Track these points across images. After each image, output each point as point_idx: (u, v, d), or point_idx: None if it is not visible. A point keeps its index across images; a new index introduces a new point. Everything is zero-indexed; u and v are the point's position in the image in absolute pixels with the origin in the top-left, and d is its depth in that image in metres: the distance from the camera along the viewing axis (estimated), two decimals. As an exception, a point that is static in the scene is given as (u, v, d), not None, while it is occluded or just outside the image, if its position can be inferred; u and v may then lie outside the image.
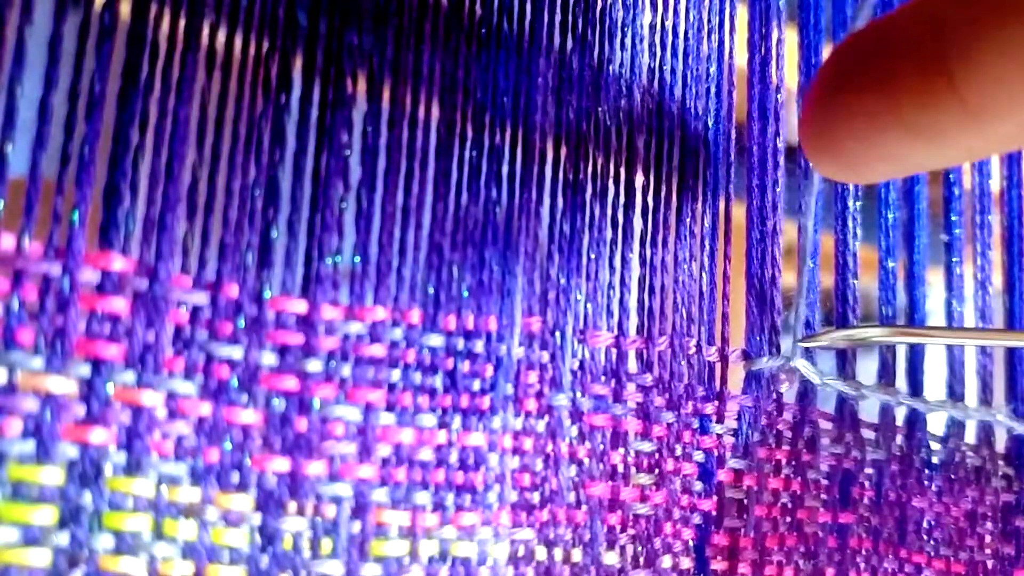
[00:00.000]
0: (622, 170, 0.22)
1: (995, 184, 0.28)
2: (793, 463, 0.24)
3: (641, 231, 0.22)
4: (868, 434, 0.25)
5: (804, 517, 0.24)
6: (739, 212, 0.24)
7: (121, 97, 0.18)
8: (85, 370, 0.17)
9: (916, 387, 0.26)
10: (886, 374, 0.25)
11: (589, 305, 0.22)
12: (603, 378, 0.22)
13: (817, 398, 0.24)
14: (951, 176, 0.27)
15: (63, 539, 0.16)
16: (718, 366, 0.23)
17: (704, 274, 0.23)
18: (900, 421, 0.26)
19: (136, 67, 0.18)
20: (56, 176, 0.17)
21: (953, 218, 0.27)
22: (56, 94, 0.17)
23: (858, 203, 0.25)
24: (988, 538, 0.27)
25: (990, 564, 0.27)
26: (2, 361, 0.16)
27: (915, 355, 0.26)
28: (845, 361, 0.25)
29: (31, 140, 0.17)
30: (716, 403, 0.23)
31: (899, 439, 0.26)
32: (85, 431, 0.17)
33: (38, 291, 0.17)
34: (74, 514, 0.17)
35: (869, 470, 0.25)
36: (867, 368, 0.25)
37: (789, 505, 0.24)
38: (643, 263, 0.22)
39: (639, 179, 0.23)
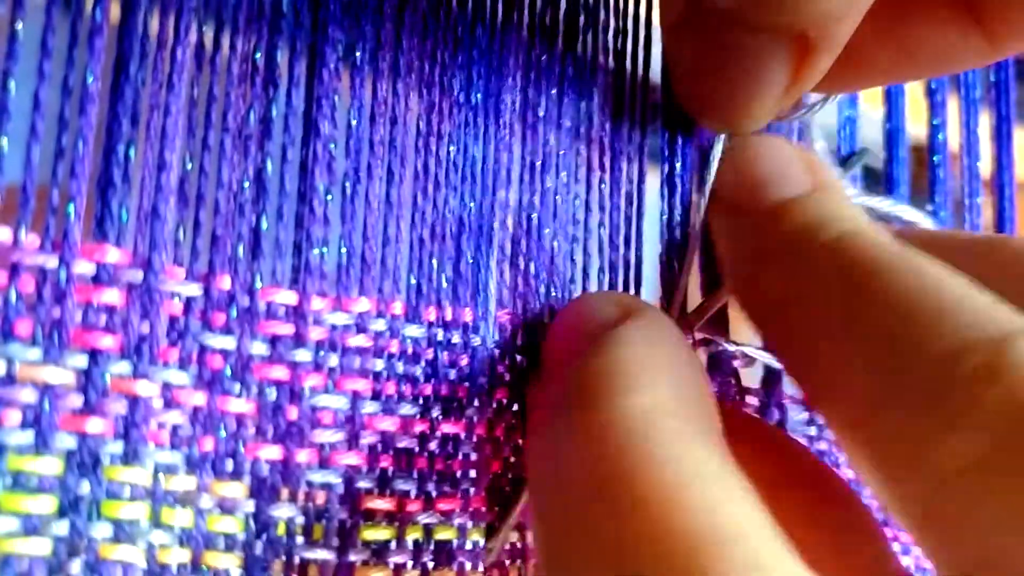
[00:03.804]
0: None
1: (985, 167, 0.28)
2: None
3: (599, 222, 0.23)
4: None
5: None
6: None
7: (113, 91, 0.18)
8: (82, 361, 0.17)
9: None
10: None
11: (556, 294, 0.22)
12: None
13: (784, 382, 0.25)
14: (936, 158, 0.27)
15: (62, 528, 0.17)
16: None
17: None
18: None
19: (127, 61, 0.18)
20: (51, 170, 0.17)
21: (938, 199, 0.27)
22: (49, 88, 0.17)
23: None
24: None
25: None
26: (0, 353, 0.16)
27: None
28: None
29: (26, 134, 0.17)
30: None
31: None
32: (83, 421, 0.17)
33: (35, 283, 0.17)
34: (73, 503, 0.17)
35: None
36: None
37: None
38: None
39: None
